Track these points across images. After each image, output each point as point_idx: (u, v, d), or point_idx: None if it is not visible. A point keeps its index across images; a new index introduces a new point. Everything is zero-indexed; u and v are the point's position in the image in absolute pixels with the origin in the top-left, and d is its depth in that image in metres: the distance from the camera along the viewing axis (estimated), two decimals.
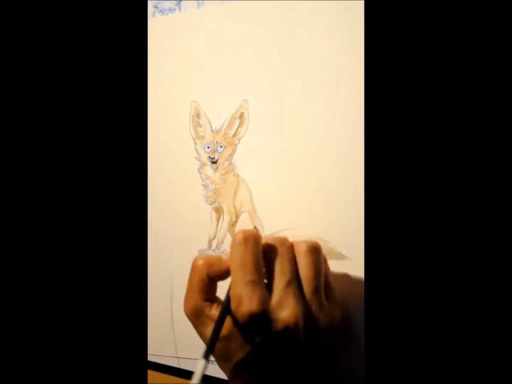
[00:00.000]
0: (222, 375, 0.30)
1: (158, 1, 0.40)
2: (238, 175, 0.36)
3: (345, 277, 0.31)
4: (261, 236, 0.28)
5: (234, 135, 0.36)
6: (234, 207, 0.36)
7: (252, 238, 0.27)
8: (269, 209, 0.34)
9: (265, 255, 0.28)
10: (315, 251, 0.28)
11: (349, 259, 0.31)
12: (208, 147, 0.37)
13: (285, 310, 0.26)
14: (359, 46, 0.30)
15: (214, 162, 0.36)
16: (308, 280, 0.27)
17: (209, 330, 0.27)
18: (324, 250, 0.32)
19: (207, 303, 0.28)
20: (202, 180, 0.37)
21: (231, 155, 0.36)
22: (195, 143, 0.37)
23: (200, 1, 0.37)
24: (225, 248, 0.36)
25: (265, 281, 0.27)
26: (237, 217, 0.36)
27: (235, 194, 0.36)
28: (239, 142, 0.36)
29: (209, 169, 0.37)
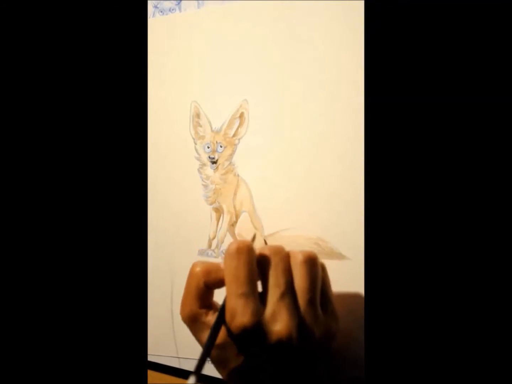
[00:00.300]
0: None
1: (158, 1, 0.40)
2: (238, 175, 0.36)
3: (345, 285, 0.31)
4: (254, 248, 0.28)
5: (234, 135, 0.36)
6: (234, 207, 0.36)
7: (245, 250, 0.27)
8: (269, 209, 0.34)
9: (260, 266, 0.27)
10: (310, 261, 0.28)
11: (349, 259, 0.31)
12: (208, 147, 0.37)
13: (278, 323, 0.26)
14: (359, 46, 0.30)
15: (214, 162, 0.36)
16: (303, 291, 0.27)
17: (205, 335, 0.27)
18: (324, 250, 0.32)
19: (203, 310, 0.28)
20: (202, 180, 0.37)
21: (231, 155, 0.36)
22: (195, 143, 0.37)
23: (200, 1, 0.37)
24: (224, 248, 0.36)
25: (260, 290, 0.27)
26: (237, 217, 0.36)
27: (235, 194, 0.36)
28: (239, 142, 0.36)
29: (209, 169, 0.37)
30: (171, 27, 0.39)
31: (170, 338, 0.38)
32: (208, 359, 0.26)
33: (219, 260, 0.36)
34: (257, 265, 0.27)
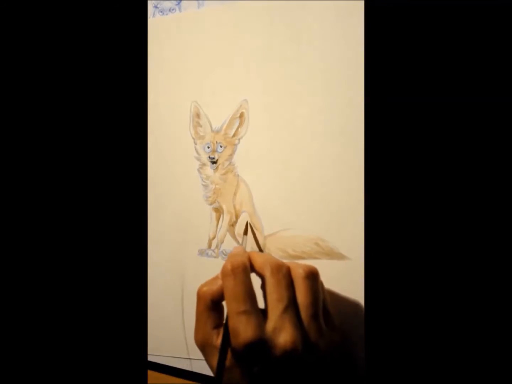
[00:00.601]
0: None
1: (158, 1, 0.40)
2: (238, 175, 0.36)
3: (345, 285, 0.31)
4: (248, 265, 0.28)
5: (234, 135, 0.36)
6: (234, 207, 0.36)
7: (240, 268, 0.27)
8: (269, 209, 0.34)
9: (262, 282, 0.28)
10: (312, 276, 0.28)
11: (349, 259, 0.31)
12: (208, 147, 0.37)
13: (282, 335, 0.26)
14: (359, 46, 0.30)
15: (214, 162, 0.36)
16: (306, 306, 0.27)
17: (215, 361, 0.28)
18: (324, 250, 0.32)
19: (215, 331, 0.28)
20: (202, 180, 0.37)
21: (231, 155, 0.36)
22: (195, 143, 0.37)
23: (200, 1, 0.37)
24: (224, 248, 0.36)
25: (262, 307, 0.27)
26: (237, 217, 0.36)
27: (235, 194, 0.36)
28: (239, 142, 0.36)
29: (209, 169, 0.37)
30: (171, 27, 0.39)
31: (181, 339, 0.38)
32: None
33: (218, 259, 0.36)
34: (261, 280, 0.28)
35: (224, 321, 0.28)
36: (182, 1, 0.38)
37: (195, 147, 0.38)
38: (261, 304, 0.28)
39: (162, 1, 0.39)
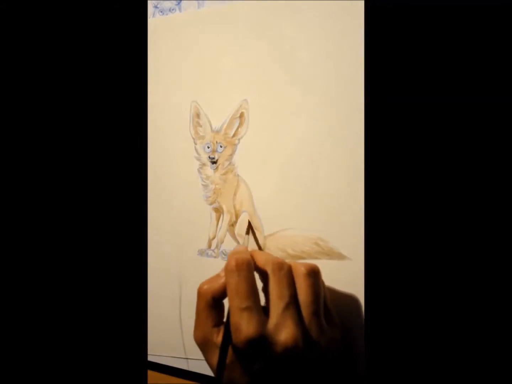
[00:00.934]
0: None
1: (158, 1, 0.40)
2: (238, 175, 0.36)
3: (345, 285, 0.31)
4: (252, 262, 0.28)
5: (234, 135, 0.36)
6: (234, 207, 0.36)
7: (244, 265, 0.27)
8: (269, 209, 0.34)
9: (263, 279, 0.28)
10: (313, 274, 0.28)
11: (349, 259, 0.31)
12: (208, 147, 0.37)
13: (283, 332, 0.26)
14: (359, 46, 0.30)
15: (214, 162, 0.36)
16: (307, 304, 0.27)
17: (215, 358, 0.28)
18: (324, 250, 0.32)
19: (215, 329, 0.28)
20: (202, 180, 0.37)
21: (231, 155, 0.36)
22: (195, 143, 0.37)
23: (200, 1, 0.37)
24: (224, 248, 0.36)
25: (263, 304, 0.28)
26: (237, 217, 0.36)
27: (235, 194, 0.36)
28: (239, 142, 0.36)
29: (209, 169, 0.37)
30: (171, 27, 0.39)
31: (178, 339, 0.38)
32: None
33: (218, 259, 0.36)
34: (261, 278, 0.28)
35: (225, 318, 0.28)
36: (182, 1, 0.38)
37: (195, 147, 0.38)
38: (262, 302, 0.28)
39: (162, 1, 0.39)
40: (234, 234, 0.36)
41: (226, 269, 0.28)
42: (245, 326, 0.26)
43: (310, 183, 0.33)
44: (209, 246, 0.37)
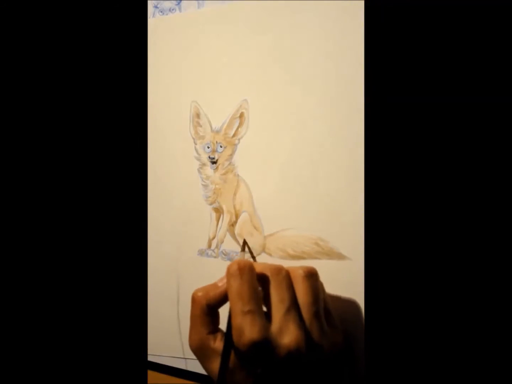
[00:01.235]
0: None
1: (158, 1, 0.40)
2: (238, 175, 0.36)
3: (345, 285, 0.31)
4: (253, 266, 0.28)
5: (234, 135, 0.36)
6: (234, 207, 0.36)
7: (246, 269, 0.27)
8: (269, 209, 0.34)
9: (262, 285, 0.28)
10: (311, 276, 0.28)
11: (349, 259, 0.31)
12: (208, 147, 0.37)
13: (286, 336, 0.26)
14: (359, 46, 0.30)
15: (214, 162, 0.36)
16: (307, 305, 0.27)
17: (214, 364, 0.28)
18: (324, 250, 0.32)
19: (211, 336, 0.28)
20: (202, 180, 0.37)
21: (231, 155, 0.36)
22: (195, 143, 0.37)
23: (200, 1, 0.37)
24: (224, 248, 0.36)
25: (264, 309, 0.28)
26: (236, 217, 0.36)
27: (235, 194, 0.36)
28: (239, 142, 0.36)
29: (209, 169, 0.37)
30: (171, 27, 0.39)
31: (176, 338, 0.38)
32: None
33: (218, 259, 0.36)
34: (260, 285, 0.28)
35: (227, 322, 0.28)
36: (182, 1, 0.38)
37: (195, 147, 0.38)
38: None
39: (162, 1, 0.39)
40: (234, 234, 0.36)
41: (228, 273, 0.28)
42: (248, 329, 0.26)
43: (310, 183, 0.33)
44: (209, 246, 0.37)
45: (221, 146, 0.36)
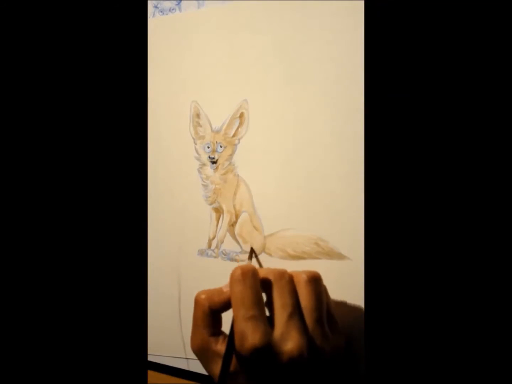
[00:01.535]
0: None
1: (158, 1, 0.40)
2: (238, 175, 0.36)
3: (345, 285, 0.31)
4: (257, 271, 0.28)
5: (234, 135, 0.36)
6: (234, 207, 0.36)
7: (250, 274, 0.27)
8: (269, 209, 0.34)
9: (265, 290, 0.28)
10: (314, 281, 0.28)
11: (349, 259, 0.31)
12: (208, 147, 0.37)
13: (289, 342, 0.26)
14: (359, 46, 0.30)
15: (214, 162, 0.36)
16: (310, 311, 0.27)
17: (216, 366, 0.28)
18: (324, 250, 0.32)
19: (213, 338, 0.28)
20: (202, 180, 0.37)
21: (231, 155, 0.36)
22: (195, 143, 0.37)
23: (200, 1, 0.37)
24: (224, 248, 0.36)
25: (267, 314, 0.28)
26: (237, 217, 0.36)
27: (235, 194, 0.36)
28: (239, 142, 0.36)
29: (209, 169, 0.37)
30: (171, 27, 0.39)
31: (178, 338, 0.38)
32: None
33: (218, 259, 0.36)
34: (263, 290, 0.28)
35: (230, 327, 0.28)
36: (182, 1, 0.38)
37: (195, 147, 0.38)
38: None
39: (162, 1, 0.39)
40: (234, 234, 0.36)
41: (232, 278, 0.28)
42: (250, 335, 0.26)
43: (310, 183, 0.33)
44: (209, 246, 0.37)
45: (221, 146, 0.36)
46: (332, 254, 0.32)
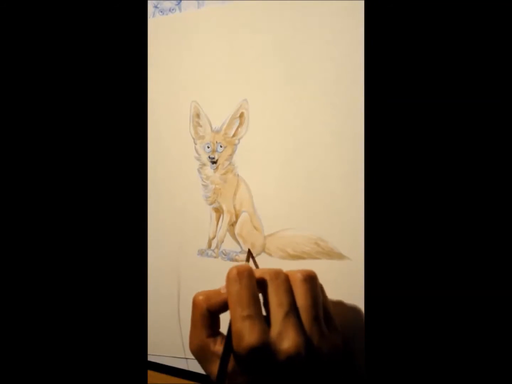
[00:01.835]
0: None
1: (158, 1, 0.40)
2: (238, 175, 0.36)
3: (345, 285, 0.31)
4: (253, 271, 0.28)
5: (234, 135, 0.36)
6: (234, 207, 0.36)
7: (245, 274, 0.27)
8: (269, 209, 0.34)
9: (261, 290, 0.28)
10: (310, 279, 0.28)
11: (349, 259, 0.31)
12: (208, 147, 0.37)
13: (286, 341, 0.26)
14: (359, 46, 0.30)
15: (214, 162, 0.36)
16: (306, 309, 0.27)
17: (214, 366, 0.28)
18: (324, 250, 0.32)
19: (211, 339, 0.28)
20: (202, 180, 0.37)
21: (231, 155, 0.36)
22: (195, 143, 0.37)
23: (200, 1, 0.37)
24: (224, 248, 0.36)
25: (264, 314, 0.28)
26: (236, 217, 0.36)
27: (235, 194, 0.36)
28: (239, 142, 0.36)
29: (209, 169, 0.37)
30: (171, 27, 0.39)
31: (177, 338, 0.38)
32: None
33: (218, 259, 0.36)
34: (259, 289, 0.28)
35: (227, 327, 0.28)
36: (182, 1, 0.38)
37: (195, 147, 0.38)
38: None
39: (162, 1, 0.39)
40: (234, 234, 0.36)
41: (228, 278, 0.28)
42: (247, 335, 0.26)
43: (310, 183, 0.33)
44: (209, 246, 0.37)
45: (221, 146, 0.36)
46: (332, 254, 0.32)
